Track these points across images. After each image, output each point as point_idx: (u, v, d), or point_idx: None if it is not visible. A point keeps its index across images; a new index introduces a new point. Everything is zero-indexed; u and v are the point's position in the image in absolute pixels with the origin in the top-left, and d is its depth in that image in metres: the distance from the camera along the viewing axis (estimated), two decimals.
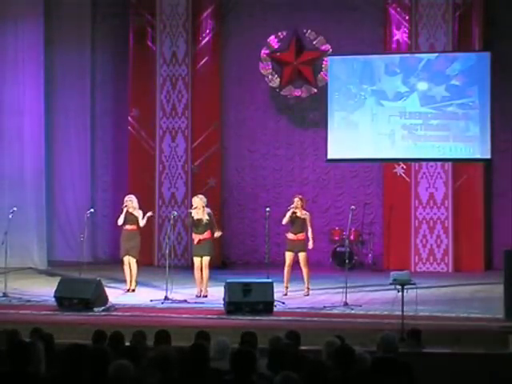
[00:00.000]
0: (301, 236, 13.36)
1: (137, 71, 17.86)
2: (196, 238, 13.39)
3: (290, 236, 13.46)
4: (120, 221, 13.77)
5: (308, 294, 13.39)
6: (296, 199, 13.49)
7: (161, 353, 5.99)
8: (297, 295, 13.35)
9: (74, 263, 15.41)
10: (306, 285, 13.47)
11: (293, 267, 13.43)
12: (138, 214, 13.74)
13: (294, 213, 13.35)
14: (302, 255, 13.36)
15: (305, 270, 13.40)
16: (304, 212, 13.41)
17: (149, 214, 13.75)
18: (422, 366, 7.08)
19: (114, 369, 5.57)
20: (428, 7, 16.88)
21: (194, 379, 5.73)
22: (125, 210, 13.68)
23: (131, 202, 13.75)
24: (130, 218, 13.72)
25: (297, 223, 13.37)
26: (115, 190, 18.07)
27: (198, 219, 13.30)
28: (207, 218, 13.29)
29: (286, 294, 13.23)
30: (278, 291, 12.82)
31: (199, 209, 13.31)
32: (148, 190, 17.40)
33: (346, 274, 12.52)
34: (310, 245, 13.36)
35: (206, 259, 13.30)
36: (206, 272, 13.30)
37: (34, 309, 12.23)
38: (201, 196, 13.58)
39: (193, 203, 13.55)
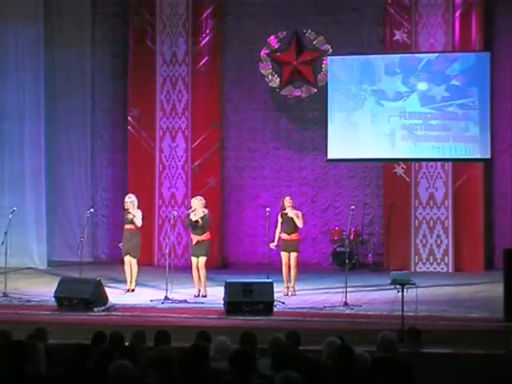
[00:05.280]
0: (294, 236, 13.41)
1: (137, 71, 17.84)
2: (194, 239, 13.41)
3: (284, 236, 13.46)
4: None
5: (288, 294, 13.25)
6: (288, 198, 13.53)
7: (161, 353, 5.99)
8: (297, 295, 13.35)
9: (74, 263, 15.40)
10: (291, 284, 13.44)
11: (290, 267, 13.42)
12: (136, 213, 13.74)
13: (285, 213, 13.37)
14: (293, 255, 13.39)
15: (293, 271, 13.39)
16: (295, 211, 13.43)
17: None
18: (421, 366, 7.08)
19: (113, 368, 5.57)
20: (428, 7, 16.88)
21: (193, 379, 5.73)
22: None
23: (132, 204, 13.74)
24: (130, 218, 13.72)
25: (289, 223, 13.37)
26: (115, 189, 18.07)
27: (195, 221, 13.29)
28: (201, 219, 13.28)
29: (286, 294, 13.23)
30: (279, 291, 12.81)
31: (197, 210, 13.33)
32: (148, 190, 17.39)
33: (346, 274, 12.53)
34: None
35: (202, 259, 13.32)
36: (202, 272, 13.31)
37: (34, 309, 12.24)
38: (199, 197, 13.58)
39: (191, 205, 13.57)
